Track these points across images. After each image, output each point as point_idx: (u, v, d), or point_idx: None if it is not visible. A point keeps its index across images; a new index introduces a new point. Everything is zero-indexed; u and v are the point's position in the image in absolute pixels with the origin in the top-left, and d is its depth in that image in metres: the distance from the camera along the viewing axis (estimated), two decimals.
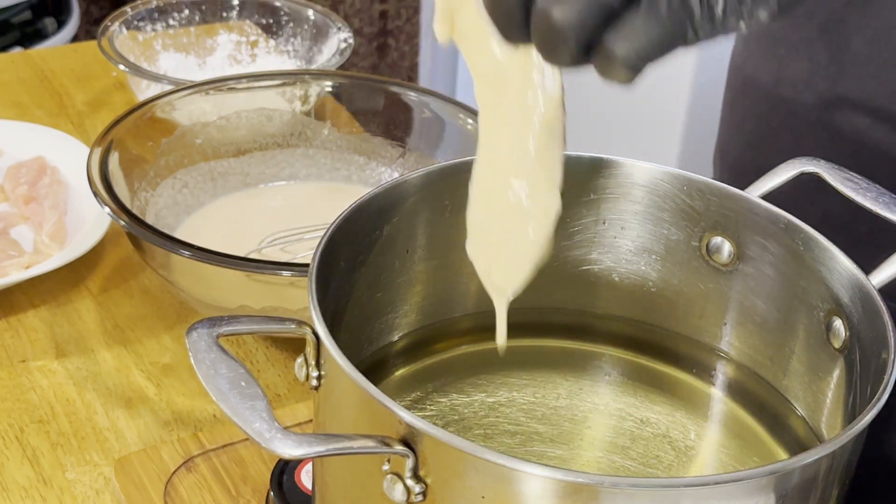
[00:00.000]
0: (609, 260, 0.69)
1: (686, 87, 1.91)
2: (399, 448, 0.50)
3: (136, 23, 1.21)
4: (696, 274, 0.67)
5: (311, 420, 0.80)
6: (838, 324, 0.60)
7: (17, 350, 0.89)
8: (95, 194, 0.86)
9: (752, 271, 0.65)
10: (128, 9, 1.22)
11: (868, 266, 0.60)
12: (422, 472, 0.50)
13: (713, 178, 0.65)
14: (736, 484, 0.49)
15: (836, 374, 0.61)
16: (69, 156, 1.07)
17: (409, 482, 0.50)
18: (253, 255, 0.91)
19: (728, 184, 0.64)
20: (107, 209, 0.84)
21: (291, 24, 1.25)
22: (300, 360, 0.56)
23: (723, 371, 0.67)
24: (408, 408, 0.50)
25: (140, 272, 0.97)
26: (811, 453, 0.50)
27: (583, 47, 0.48)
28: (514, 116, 0.55)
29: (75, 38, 2.01)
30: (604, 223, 0.68)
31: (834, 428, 0.61)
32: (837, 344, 0.60)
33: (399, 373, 0.66)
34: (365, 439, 0.50)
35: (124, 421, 0.83)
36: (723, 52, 1.86)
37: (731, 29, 0.48)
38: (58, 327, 0.92)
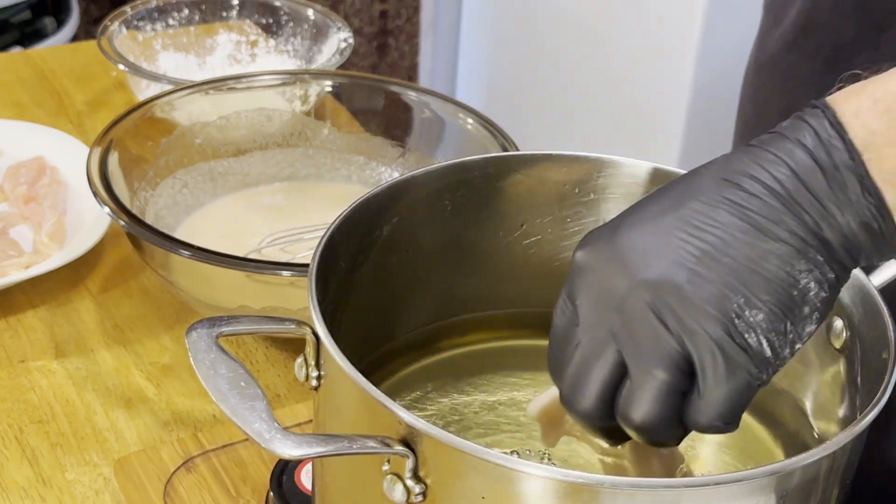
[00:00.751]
0: None
1: (686, 87, 1.91)
2: (399, 448, 0.50)
3: (135, 22, 1.21)
4: None
5: (311, 420, 0.79)
6: (838, 324, 0.60)
7: (16, 350, 0.89)
8: (95, 194, 0.86)
9: None
10: (127, 8, 1.22)
11: (868, 266, 0.60)
12: (422, 473, 0.50)
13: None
14: (736, 484, 0.49)
15: (837, 374, 0.61)
16: (69, 156, 1.07)
17: (409, 482, 0.50)
18: (253, 255, 0.90)
19: None
20: (106, 209, 0.84)
21: (291, 24, 1.25)
22: (300, 360, 0.56)
23: None
24: (408, 408, 0.50)
25: (140, 272, 0.97)
26: (811, 453, 0.50)
27: (674, 429, 0.52)
28: None
29: (75, 38, 2.01)
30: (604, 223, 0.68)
31: (834, 428, 0.61)
32: (838, 344, 0.60)
33: (399, 373, 0.66)
34: (365, 439, 0.50)
35: (124, 421, 0.83)
36: (723, 52, 1.86)
37: (787, 356, 0.50)
38: (57, 327, 0.91)
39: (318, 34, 1.23)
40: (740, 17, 1.66)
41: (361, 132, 1.05)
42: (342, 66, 1.16)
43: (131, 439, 0.82)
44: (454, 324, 0.69)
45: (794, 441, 0.63)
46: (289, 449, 0.49)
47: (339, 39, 1.19)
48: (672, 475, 0.58)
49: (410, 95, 1.03)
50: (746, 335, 0.49)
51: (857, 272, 0.59)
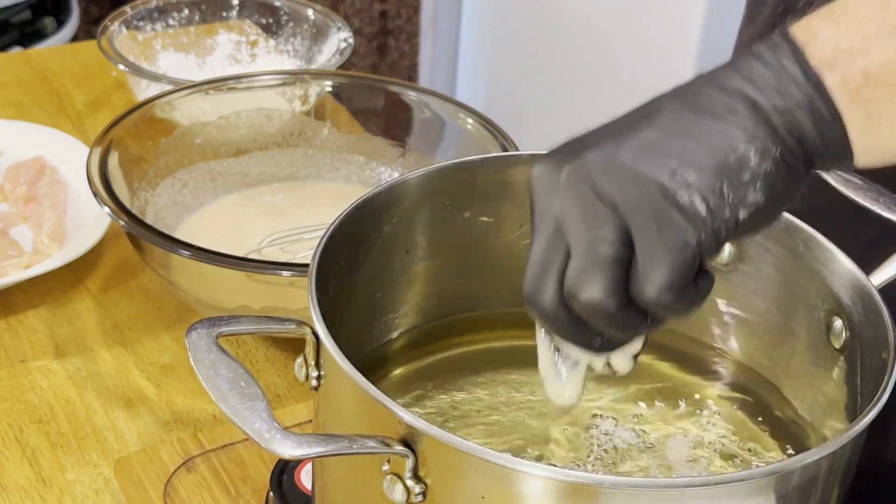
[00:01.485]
0: None
1: None
2: (399, 448, 0.50)
3: (135, 22, 1.21)
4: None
5: (311, 420, 0.79)
6: (838, 324, 0.60)
7: (16, 350, 0.89)
8: (95, 194, 0.86)
9: (752, 271, 0.65)
10: (127, 8, 1.22)
11: (868, 266, 0.60)
12: (422, 473, 0.50)
13: None
14: (736, 484, 0.49)
15: (836, 374, 0.61)
16: (69, 156, 1.07)
17: (409, 482, 0.50)
18: (253, 255, 0.90)
19: None
20: (106, 209, 0.84)
21: (291, 24, 1.25)
22: (300, 360, 0.56)
23: (723, 371, 0.67)
24: (407, 408, 0.50)
25: (140, 272, 0.97)
26: (811, 453, 0.50)
27: (625, 310, 0.51)
28: None
29: (75, 38, 2.01)
30: None
31: (834, 428, 0.61)
32: (837, 344, 0.60)
33: (399, 372, 0.66)
34: (365, 439, 0.50)
35: (124, 421, 0.83)
36: (723, 53, 1.86)
37: (730, 221, 0.50)
38: (57, 327, 0.91)
39: (318, 34, 1.23)
40: (741, 18, 1.66)
41: (361, 132, 1.05)
42: (342, 66, 1.16)
43: (131, 439, 0.82)
44: (454, 323, 0.69)
45: (794, 441, 0.63)
46: (289, 449, 0.49)
47: (339, 39, 1.19)
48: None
49: (410, 95, 1.03)
50: (679, 194, 0.49)
51: (857, 272, 0.59)
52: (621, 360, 0.56)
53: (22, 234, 1.00)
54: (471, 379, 0.66)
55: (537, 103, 2.29)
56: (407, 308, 0.68)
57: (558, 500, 0.48)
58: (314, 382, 0.56)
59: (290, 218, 0.97)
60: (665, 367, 0.68)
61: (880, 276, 0.60)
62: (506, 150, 0.94)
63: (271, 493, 0.72)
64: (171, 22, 1.24)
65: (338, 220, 0.60)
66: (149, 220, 0.91)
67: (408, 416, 0.49)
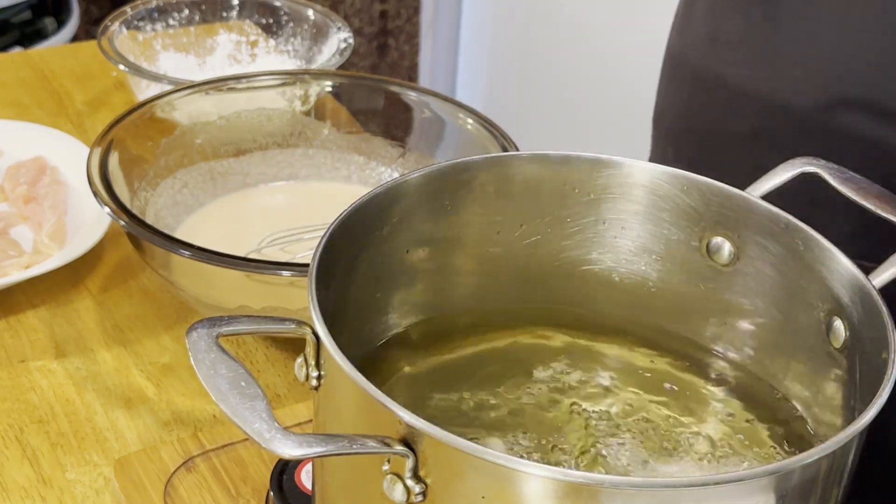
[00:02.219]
0: (609, 260, 0.69)
1: None
2: (399, 448, 0.50)
3: (135, 23, 1.21)
4: (696, 274, 0.67)
5: (311, 420, 0.80)
6: (838, 324, 0.60)
7: (16, 350, 0.89)
8: (95, 194, 0.86)
9: (752, 271, 0.65)
10: (128, 9, 1.22)
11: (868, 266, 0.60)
12: (422, 472, 0.50)
13: (651, 146, 0.65)
14: (736, 484, 0.49)
15: (836, 374, 0.61)
16: (69, 156, 1.07)
17: (409, 482, 0.50)
18: (253, 255, 0.91)
19: (665, 149, 0.64)
20: (107, 209, 0.84)
21: (291, 24, 1.25)
22: (300, 360, 0.56)
23: (723, 371, 0.67)
24: (407, 408, 0.50)
25: (140, 272, 0.97)
26: (811, 453, 0.50)
27: None
28: None
29: (75, 38, 2.01)
30: (604, 223, 0.68)
31: (834, 428, 0.61)
32: (837, 344, 0.60)
33: (399, 372, 0.66)
34: (365, 439, 0.50)
35: (124, 421, 0.83)
36: None
37: None
38: (57, 327, 0.92)
39: (318, 34, 1.23)
40: None
41: (361, 132, 1.05)
42: (342, 67, 1.16)
43: (131, 439, 0.82)
44: (454, 323, 0.69)
45: (794, 441, 0.63)
46: (289, 449, 0.49)
47: (339, 39, 1.19)
48: None
49: (410, 95, 1.03)
50: None
51: (857, 272, 0.59)
52: None
53: (22, 234, 1.00)
54: (471, 379, 0.66)
55: (537, 103, 2.29)
56: (407, 308, 0.68)
57: (558, 499, 0.48)
58: (314, 382, 0.56)
59: (290, 218, 0.97)
60: (664, 367, 0.68)
61: (880, 276, 0.60)
62: (506, 150, 0.94)
63: (271, 493, 0.72)
64: (171, 22, 1.24)
65: (338, 220, 0.60)
66: (149, 220, 0.91)
67: (408, 416, 0.49)
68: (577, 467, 0.60)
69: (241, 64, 1.24)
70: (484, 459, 0.48)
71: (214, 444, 0.78)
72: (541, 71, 2.26)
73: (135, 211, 0.87)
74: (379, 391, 0.50)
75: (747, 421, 0.64)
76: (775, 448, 0.63)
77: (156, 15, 1.23)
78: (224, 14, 1.27)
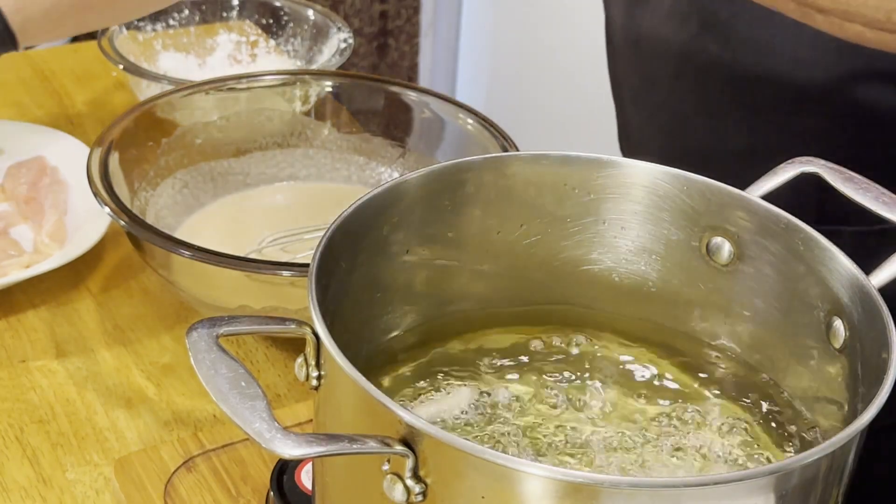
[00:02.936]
0: (609, 260, 0.69)
1: None
2: (399, 448, 0.50)
3: (135, 23, 1.21)
4: (696, 274, 0.67)
5: (311, 420, 0.80)
6: (838, 324, 0.60)
7: (17, 350, 0.89)
8: (95, 194, 0.86)
9: (752, 271, 0.65)
10: None
11: (868, 266, 0.60)
12: (422, 472, 0.50)
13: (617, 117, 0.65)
14: (736, 484, 0.49)
15: (836, 374, 0.61)
16: (69, 156, 1.07)
17: (409, 482, 0.50)
18: (253, 255, 0.91)
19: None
20: (107, 209, 0.84)
21: (291, 24, 1.25)
22: (300, 360, 0.56)
23: (723, 371, 0.67)
24: (407, 408, 0.50)
25: (140, 272, 0.97)
26: (811, 453, 0.50)
27: None
28: None
29: (75, 38, 2.01)
30: (604, 223, 0.68)
31: (834, 428, 0.61)
32: (837, 344, 0.60)
33: (399, 372, 0.66)
34: (365, 439, 0.50)
35: (124, 421, 0.83)
36: None
37: None
38: (58, 327, 0.92)
39: (319, 34, 1.23)
40: None
41: (361, 132, 1.05)
42: (342, 67, 1.16)
43: (132, 439, 0.82)
44: (454, 323, 0.69)
45: (794, 441, 0.63)
46: (289, 449, 0.49)
47: (339, 40, 1.19)
48: None
49: (410, 95, 1.03)
50: None
51: (857, 272, 0.59)
52: None
53: (22, 234, 1.00)
54: (472, 378, 0.66)
55: (537, 103, 2.29)
56: (407, 308, 0.68)
57: (558, 499, 0.48)
58: (314, 382, 0.56)
59: (290, 218, 0.97)
60: (664, 367, 0.68)
61: (880, 276, 0.60)
62: (506, 150, 0.94)
63: (271, 493, 0.72)
64: (171, 22, 1.24)
65: (338, 220, 0.60)
66: (149, 220, 0.91)
67: (408, 416, 0.49)
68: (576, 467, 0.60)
69: (241, 64, 1.24)
70: (484, 459, 0.48)
71: (214, 444, 0.78)
72: (541, 71, 2.26)
73: (135, 211, 0.87)
74: (379, 391, 0.50)
75: (747, 421, 0.64)
76: (775, 448, 0.63)
77: (156, 15, 1.23)
78: (224, 14, 1.27)
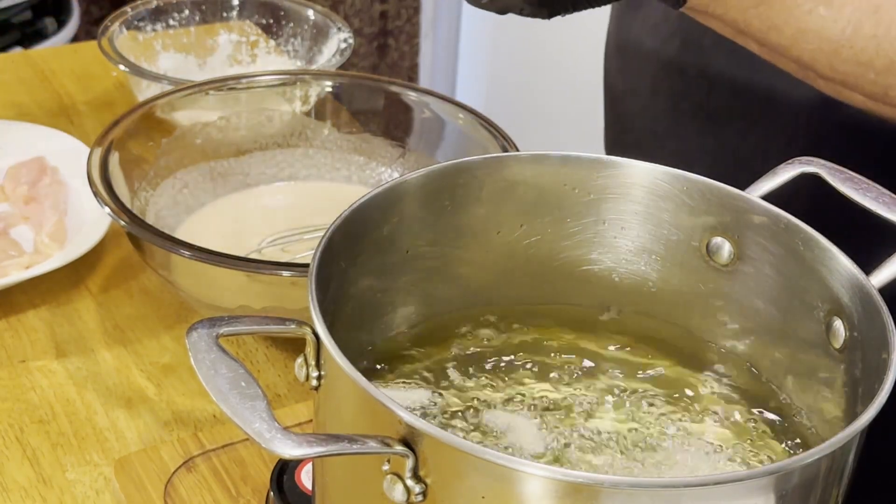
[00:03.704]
0: (609, 260, 0.69)
1: None
2: (399, 448, 0.50)
3: (136, 23, 1.21)
4: (696, 274, 0.67)
5: (311, 420, 0.80)
6: (838, 324, 0.60)
7: (17, 350, 0.89)
8: (95, 194, 0.86)
9: (752, 271, 0.65)
10: (128, 9, 1.22)
11: (868, 266, 0.60)
12: (422, 472, 0.50)
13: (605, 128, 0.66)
14: (736, 484, 0.49)
15: (836, 374, 0.61)
16: (69, 156, 1.07)
17: (409, 482, 0.50)
18: (253, 255, 0.91)
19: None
20: (107, 209, 0.84)
21: (291, 24, 1.25)
22: (300, 360, 0.56)
23: (722, 371, 0.67)
24: (407, 408, 0.50)
25: (140, 272, 0.97)
26: (811, 453, 0.50)
27: None
28: None
29: (75, 38, 2.01)
30: (604, 223, 0.68)
31: (834, 428, 0.61)
32: (837, 344, 0.60)
33: (399, 372, 0.66)
34: (365, 439, 0.50)
35: (124, 421, 0.83)
36: None
37: None
38: (58, 327, 0.92)
39: (319, 35, 1.23)
40: None
41: (361, 132, 1.05)
42: (342, 67, 1.16)
43: (132, 439, 0.82)
44: (454, 323, 0.69)
45: (794, 441, 0.63)
46: (289, 449, 0.49)
47: (340, 40, 1.19)
48: None
49: (410, 95, 1.03)
50: None
51: (857, 272, 0.59)
52: None
53: (22, 235, 1.00)
54: (472, 378, 0.66)
55: (537, 103, 2.29)
56: (407, 308, 0.68)
57: (558, 499, 0.48)
58: (314, 382, 0.56)
59: (290, 218, 0.97)
60: (664, 366, 0.68)
61: (880, 276, 0.60)
62: (506, 150, 0.94)
63: (271, 493, 0.72)
64: (171, 22, 1.24)
65: (338, 220, 0.60)
66: (149, 220, 0.91)
67: (408, 416, 0.49)
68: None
69: (241, 64, 1.24)
70: (484, 459, 0.48)
71: (214, 444, 0.78)
72: (541, 71, 2.26)
73: (135, 211, 0.87)
74: (379, 391, 0.50)
75: (747, 421, 0.64)
76: (775, 448, 0.63)
77: (156, 15, 1.23)
78: (224, 14, 1.27)
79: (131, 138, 0.95)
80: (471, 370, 0.66)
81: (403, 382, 0.64)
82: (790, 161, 0.66)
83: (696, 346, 0.69)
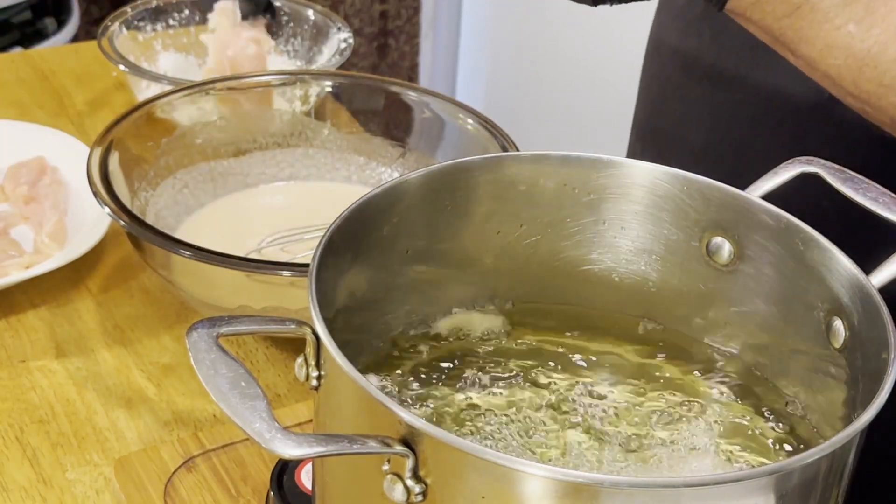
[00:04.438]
0: (609, 260, 0.69)
1: None
2: (399, 448, 0.50)
3: (136, 23, 1.21)
4: (696, 274, 0.67)
5: (311, 420, 0.80)
6: (838, 324, 0.60)
7: (17, 350, 0.89)
8: (95, 194, 0.86)
9: (752, 271, 0.65)
10: (128, 9, 1.22)
11: (868, 266, 0.60)
12: (422, 472, 0.50)
13: (630, 139, 0.66)
14: (736, 484, 0.49)
15: (836, 374, 0.61)
16: (69, 156, 1.07)
17: (409, 482, 0.50)
18: (253, 255, 0.91)
19: (638, 146, 0.65)
20: (107, 209, 0.84)
21: (291, 24, 1.25)
22: (300, 360, 0.56)
23: (723, 371, 0.67)
24: (407, 408, 0.50)
25: (140, 272, 0.97)
26: (811, 453, 0.50)
27: None
28: None
29: (75, 38, 2.01)
30: (604, 223, 0.68)
31: (834, 428, 0.61)
32: (837, 344, 0.60)
33: (399, 372, 0.66)
34: (365, 439, 0.50)
35: (124, 421, 0.83)
36: None
37: None
38: (58, 327, 0.92)
39: (319, 35, 1.23)
40: None
41: (361, 132, 1.05)
42: (342, 67, 1.16)
43: (132, 439, 0.82)
44: (454, 323, 0.69)
45: (794, 441, 0.63)
46: (289, 449, 0.49)
47: (339, 40, 1.19)
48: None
49: (410, 95, 1.03)
50: None
51: (857, 272, 0.59)
52: None
53: (22, 234, 1.00)
54: (472, 378, 0.66)
55: (537, 103, 2.29)
56: (407, 308, 0.68)
57: (558, 499, 0.48)
58: (314, 382, 0.56)
59: (290, 218, 0.97)
60: (664, 367, 0.68)
61: (880, 276, 0.60)
62: (506, 150, 0.94)
63: (271, 493, 0.72)
64: (171, 22, 1.24)
65: (338, 220, 0.60)
66: (149, 220, 0.91)
67: (408, 416, 0.49)
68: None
69: None
70: (484, 459, 0.48)
71: (214, 444, 0.78)
72: (541, 71, 2.26)
73: (135, 211, 0.87)
74: (379, 391, 0.50)
75: (747, 421, 0.64)
76: (775, 448, 0.63)
77: (156, 15, 1.23)
78: None
79: (131, 138, 0.95)
80: (469, 369, 0.66)
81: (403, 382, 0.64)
82: (790, 161, 0.66)
83: (696, 346, 0.69)
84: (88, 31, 2.20)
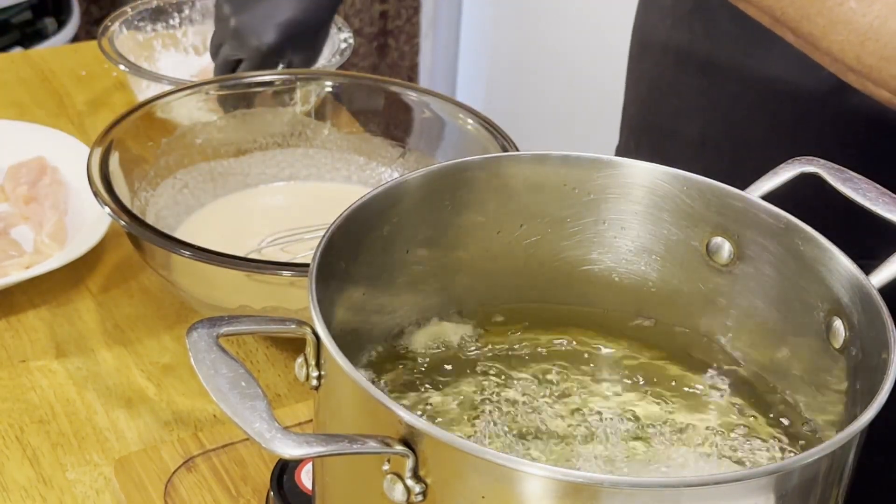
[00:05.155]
0: (609, 260, 0.69)
1: None
2: (399, 448, 0.50)
3: (136, 23, 1.21)
4: (696, 274, 0.67)
5: (311, 420, 0.80)
6: (838, 324, 0.60)
7: (17, 350, 0.89)
8: (95, 194, 0.86)
9: (752, 271, 0.65)
10: (128, 9, 1.22)
11: (868, 266, 0.60)
12: (422, 472, 0.50)
13: (620, 138, 0.66)
14: (736, 484, 0.49)
15: (836, 374, 0.61)
16: (69, 156, 1.07)
17: (409, 482, 0.50)
18: (253, 255, 0.91)
19: (631, 144, 0.66)
20: (107, 209, 0.84)
21: None
22: (300, 360, 0.56)
23: (723, 371, 0.67)
24: (407, 408, 0.50)
25: (140, 272, 0.97)
26: (811, 453, 0.50)
27: None
28: None
29: (75, 38, 2.01)
30: (604, 223, 0.68)
31: (834, 428, 0.61)
32: (837, 344, 0.60)
33: (399, 372, 0.66)
34: (365, 439, 0.50)
35: (124, 421, 0.83)
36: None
37: None
38: (58, 327, 0.92)
39: None
40: None
41: (361, 132, 1.05)
42: (342, 67, 1.16)
43: (132, 439, 0.82)
44: (453, 323, 0.69)
45: (794, 441, 0.63)
46: (289, 449, 0.49)
47: (340, 40, 1.19)
48: None
49: (410, 95, 1.03)
50: None
51: (857, 272, 0.59)
52: None
53: (23, 235, 1.00)
54: (471, 379, 0.66)
55: (537, 103, 2.29)
56: (407, 308, 0.68)
57: (558, 499, 0.48)
58: (314, 382, 0.56)
59: (290, 218, 0.97)
60: (664, 366, 0.68)
61: (880, 276, 0.60)
62: (506, 150, 0.94)
63: (272, 493, 0.72)
64: (171, 22, 1.24)
65: (338, 220, 0.60)
66: (149, 220, 0.91)
67: (408, 416, 0.49)
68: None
69: None
70: (484, 459, 0.48)
71: (215, 444, 0.78)
72: (541, 71, 2.26)
73: (135, 211, 0.87)
74: (379, 391, 0.50)
75: (747, 420, 0.64)
76: (775, 448, 0.63)
77: (156, 15, 1.23)
78: None
79: (131, 138, 0.95)
80: (469, 369, 0.66)
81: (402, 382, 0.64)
82: (790, 161, 0.66)
83: (696, 346, 0.69)
84: (88, 31, 2.20)
